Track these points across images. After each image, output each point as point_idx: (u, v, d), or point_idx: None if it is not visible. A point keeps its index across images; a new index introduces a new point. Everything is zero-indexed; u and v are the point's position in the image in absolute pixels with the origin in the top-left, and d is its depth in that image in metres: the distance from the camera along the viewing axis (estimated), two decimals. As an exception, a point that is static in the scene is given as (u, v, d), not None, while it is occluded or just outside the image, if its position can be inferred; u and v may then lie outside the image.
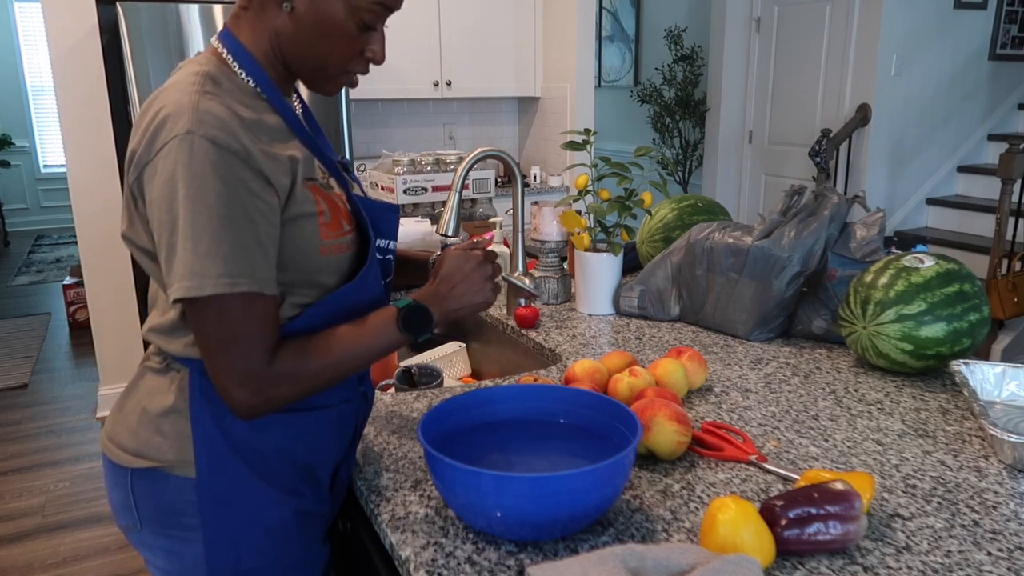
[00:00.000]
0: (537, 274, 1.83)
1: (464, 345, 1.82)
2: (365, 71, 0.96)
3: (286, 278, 0.89)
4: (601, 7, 6.52)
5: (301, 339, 0.88)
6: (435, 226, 2.17)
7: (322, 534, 1.03)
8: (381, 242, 1.02)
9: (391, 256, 1.05)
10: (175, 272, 0.80)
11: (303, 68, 0.93)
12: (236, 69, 0.90)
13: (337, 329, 0.90)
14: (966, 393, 1.16)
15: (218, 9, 3.22)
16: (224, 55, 0.91)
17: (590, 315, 1.74)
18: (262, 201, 0.83)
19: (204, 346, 0.83)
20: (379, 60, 0.95)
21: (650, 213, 1.93)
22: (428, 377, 1.44)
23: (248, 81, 0.90)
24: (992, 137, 4.78)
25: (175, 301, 0.81)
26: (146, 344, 0.98)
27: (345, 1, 0.88)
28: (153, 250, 0.87)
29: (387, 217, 1.03)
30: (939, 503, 0.95)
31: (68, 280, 4.74)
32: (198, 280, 0.79)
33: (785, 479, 1.00)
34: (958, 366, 1.24)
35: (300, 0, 0.88)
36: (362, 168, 3.88)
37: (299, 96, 1.02)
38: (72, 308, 4.71)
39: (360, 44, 0.92)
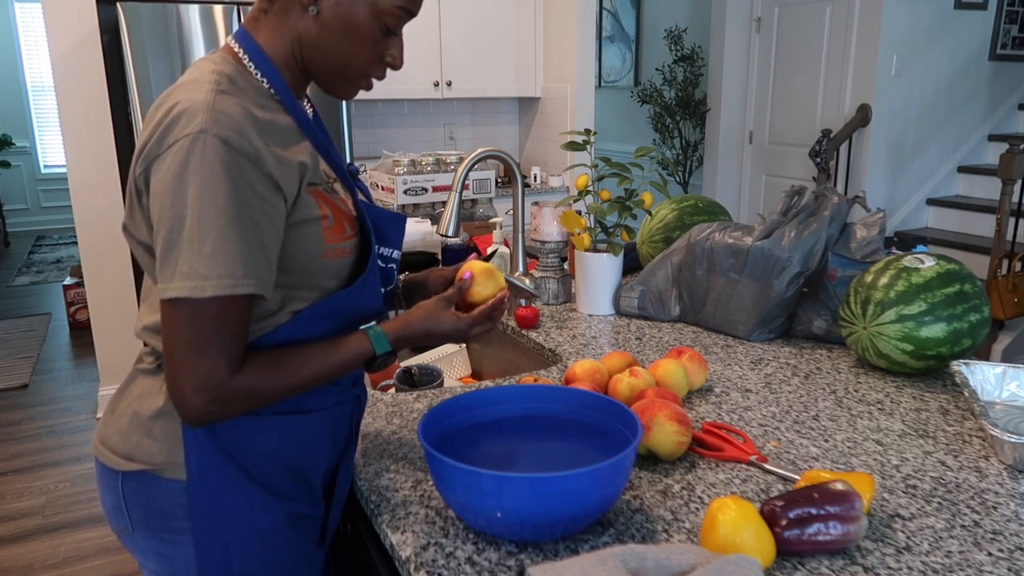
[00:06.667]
0: (537, 274, 1.83)
1: (464, 345, 1.82)
2: (382, 76, 0.96)
3: (288, 281, 0.89)
4: (601, 7, 6.52)
5: (269, 355, 0.87)
6: (435, 226, 2.17)
7: (316, 538, 1.02)
8: (384, 250, 1.01)
9: (394, 265, 1.04)
10: (177, 271, 0.79)
11: (324, 71, 0.93)
12: (252, 69, 0.90)
13: (306, 350, 0.89)
14: (966, 393, 1.16)
15: (218, 9, 3.23)
16: (240, 55, 0.91)
17: (590, 315, 1.74)
18: (269, 205, 0.83)
19: (172, 346, 0.81)
20: (398, 65, 0.96)
21: (650, 213, 1.93)
22: (428, 377, 1.44)
23: (263, 82, 0.91)
24: (992, 137, 4.78)
25: (171, 299, 0.80)
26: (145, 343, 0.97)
27: (370, 6, 0.89)
28: (152, 244, 0.86)
29: (392, 226, 1.02)
30: (939, 503, 0.94)
31: (68, 280, 4.75)
32: (200, 281, 0.79)
33: (785, 479, 1.00)
34: (958, 366, 1.24)
35: (326, 4, 0.88)
36: (363, 168, 3.88)
37: (310, 101, 1.02)
38: (72, 308, 4.71)
39: (382, 49, 0.93)
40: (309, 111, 1.01)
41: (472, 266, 1.04)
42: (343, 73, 0.93)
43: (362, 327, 0.94)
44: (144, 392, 0.93)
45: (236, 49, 0.91)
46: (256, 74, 0.90)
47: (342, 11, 0.88)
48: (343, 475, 1.04)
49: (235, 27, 3.23)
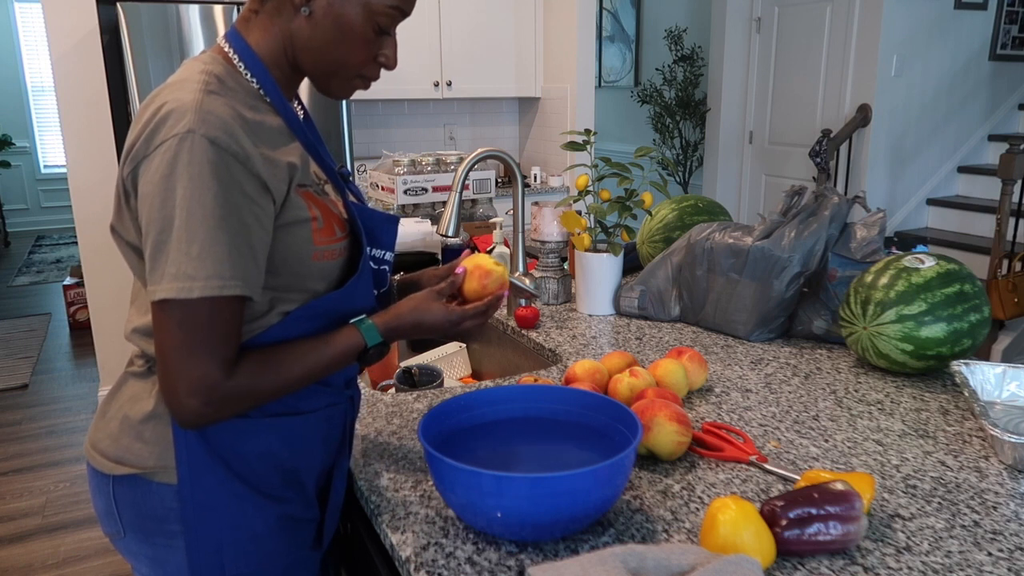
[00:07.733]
0: (537, 274, 1.83)
1: (464, 345, 1.82)
2: (377, 76, 0.96)
3: (277, 282, 0.89)
4: (601, 7, 6.52)
5: (262, 354, 0.86)
6: (435, 226, 2.17)
7: (310, 540, 1.01)
8: (376, 252, 1.01)
9: (387, 267, 1.04)
10: (165, 272, 0.79)
11: (317, 71, 0.93)
12: (242, 70, 0.90)
13: (298, 348, 0.89)
14: (966, 393, 1.16)
15: (218, 9, 3.23)
16: (230, 55, 0.90)
17: (590, 315, 1.74)
18: (257, 206, 0.83)
19: (164, 348, 0.81)
20: (391, 65, 0.95)
21: (650, 213, 1.93)
22: (428, 377, 1.44)
23: (253, 83, 0.90)
24: (992, 137, 4.78)
25: (160, 301, 0.80)
26: None
27: (363, 5, 0.88)
28: (140, 245, 0.85)
29: (385, 227, 1.01)
30: (939, 503, 0.94)
31: (68, 280, 4.74)
32: (188, 282, 0.78)
33: (785, 479, 1.00)
34: (958, 366, 1.24)
35: (319, 4, 0.88)
36: (362, 168, 3.88)
37: (300, 102, 1.02)
38: (72, 308, 4.71)
39: (375, 49, 0.92)
40: (300, 113, 1.00)
41: (469, 260, 1.03)
42: (337, 73, 0.93)
43: (352, 320, 0.94)
44: (135, 395, 0.93)
45: (227, 49, 0.91)
46: (246, 75, 0.90)
47: (335, 11, 0.88)
48: (338, 477, 1.03)
49: (235, 27, 3.23)
